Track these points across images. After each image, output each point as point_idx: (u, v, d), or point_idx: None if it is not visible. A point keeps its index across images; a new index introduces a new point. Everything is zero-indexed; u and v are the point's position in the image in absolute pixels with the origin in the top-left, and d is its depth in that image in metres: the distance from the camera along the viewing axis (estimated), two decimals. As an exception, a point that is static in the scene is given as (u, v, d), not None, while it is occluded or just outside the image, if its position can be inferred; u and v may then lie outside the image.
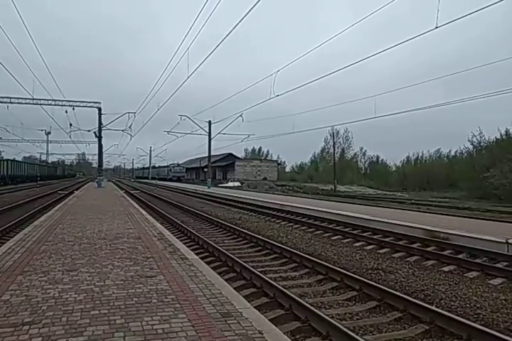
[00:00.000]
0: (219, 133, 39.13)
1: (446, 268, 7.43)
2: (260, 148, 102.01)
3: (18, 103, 29.02)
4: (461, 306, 5.27)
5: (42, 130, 63.15)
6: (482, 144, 45.13)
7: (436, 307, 4.99)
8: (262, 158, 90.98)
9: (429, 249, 8.87)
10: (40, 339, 2.98)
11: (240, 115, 32.83)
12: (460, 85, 77.19)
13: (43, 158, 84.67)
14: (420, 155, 70.26)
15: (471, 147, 47.81)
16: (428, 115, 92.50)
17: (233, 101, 35.70)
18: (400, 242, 9.69)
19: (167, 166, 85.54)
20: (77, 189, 33.65)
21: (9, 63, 19.04)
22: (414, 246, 9.18)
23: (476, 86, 62.59)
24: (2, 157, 57.71)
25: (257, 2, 10.68)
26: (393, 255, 8.64)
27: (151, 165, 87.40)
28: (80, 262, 5.55)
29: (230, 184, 58.09)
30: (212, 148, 40.88)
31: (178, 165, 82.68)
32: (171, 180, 76.04)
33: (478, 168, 39.53)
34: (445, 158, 66.44)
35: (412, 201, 28.32)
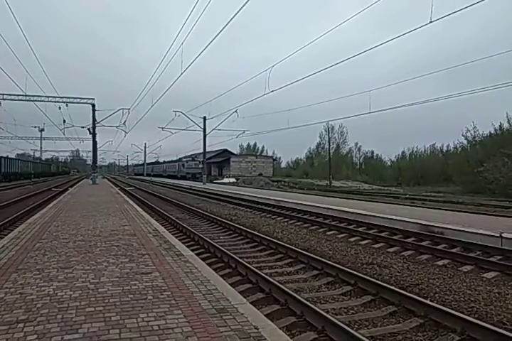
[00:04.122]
0: (214, 129, 39.07)
1: (440, 262, 7.49)
2: (255, 144, 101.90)
3: (11, 99, 28.83)
4: (456, 300, 5.32)
5: (35, 127, 62.80)
6: (476, 139, 45.42)
7: (430, 301, 5.03)
8: (258, 153, 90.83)
9: (423, 243, 8.93)
10: (36, 336, 2.97)
11: (235, 111, 32.76)
12: (455, 81, 77.29)
13: (37, 155, 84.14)
14: (415, 150, 70.65)
15: (465, 142, 48.12)
16: (423, 110, 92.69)
17: (228, 97, 35.64)
18: (395, 237, 9.74)
19: (178, 160, 70.49)
20: (71, 186, 33.51)
21: (0, 59, 18.86)
22: (408, 240, 9.24)
23: (471, 82, 62.75)
24: (-5, 154, 57.28)
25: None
26: (388, 250, 8.69)
27: (156, 160, 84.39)
28: (75, 259, 5.52)
29: (226, 180, 58.10)
30: (207, 144, 40.84)
31: (193, 158, 61.79)
32: (184, 178, 59.68)
33: (472, 163, 39.79)
34: (440, 153, 66.79)
35: (407, 196, 28.47)
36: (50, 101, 30.28)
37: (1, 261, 5.37)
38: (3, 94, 28.48)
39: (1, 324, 3.20)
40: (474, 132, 45.02)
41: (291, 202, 17.35)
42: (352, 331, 3.89)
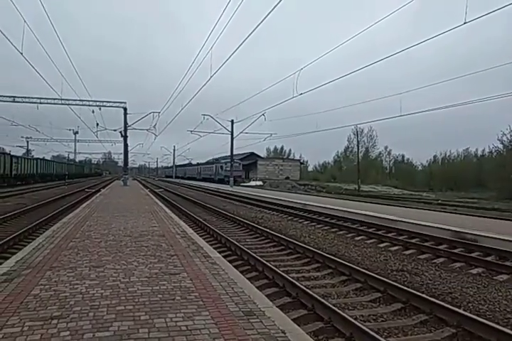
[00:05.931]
0: (241, 132, 39.17)
1: (474, 271, 7.23)
2: (282, 147, 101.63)
3: (47, 103, 29.93)
4: (490, 310, 5.11)
5: (70, 129, 65.07)
6: (512, 143, 43.67)
7: (463, 310, 4.86)
8: (285, 157, 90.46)
9: (456, 250, 8.64)
10: (68, 332, 3.06)
11: (263, 114, 32.80)
12: (490, 82, 74.61)
13: (71, 156, 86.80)
14: (448, 154, 68.66)
15: (500, 146, 46.36)
16: (456, 113, 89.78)
17: (256, 100, 35.70)
18: (426, 243, 9.47)
19: (215, 161, 64.00)
20: (103, 187, 34.44)
21: (39, 65, 19.62)
22: (440, 247, 8.97)
23: (505, 83, 60.39)
24: (32, 156, 59.75)
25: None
26: (419, 256, 8.46)
27: (188, 162, 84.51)
28: (106, 259, 5.67)
29: (253, 183, 58.11)
30: (234, 147, 41.06)
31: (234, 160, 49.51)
32: (221, 181, 52.30)
33: (508, 168, 38.28)
34: (474, 158, 64.66)
35: (439, 201, 27.68)
36: (84, 105, 31.31)
37: (36, 258, 5.58)
38: (40, 98, 29.65)
39: (37, 319, 3.32)
40: (511, 136, 43.36)
41: (319, 206, 17.19)
42: (381, 339, 3.81)
